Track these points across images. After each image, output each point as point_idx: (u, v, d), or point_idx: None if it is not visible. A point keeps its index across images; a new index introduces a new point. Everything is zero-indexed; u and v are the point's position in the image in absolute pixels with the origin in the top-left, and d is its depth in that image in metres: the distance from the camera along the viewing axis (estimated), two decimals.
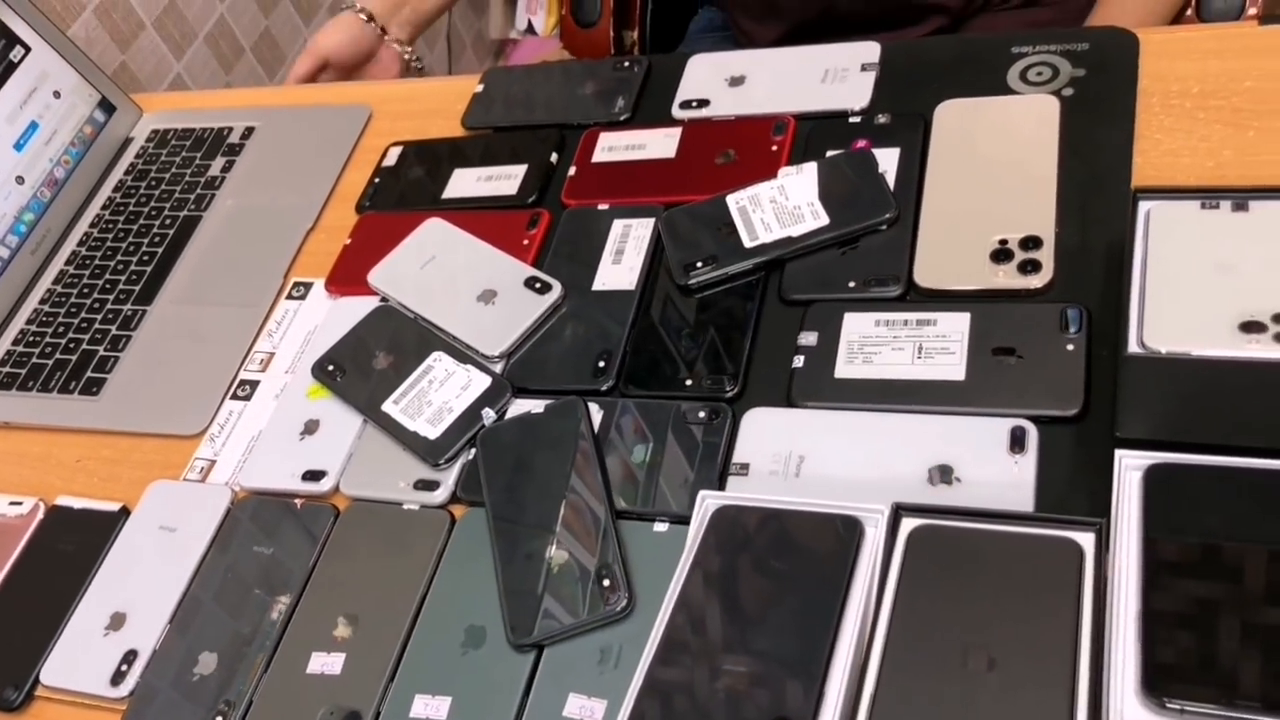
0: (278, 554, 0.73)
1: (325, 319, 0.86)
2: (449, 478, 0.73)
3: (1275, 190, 0.65)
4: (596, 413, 0.73)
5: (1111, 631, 0.51)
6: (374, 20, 1.15)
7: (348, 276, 0.88)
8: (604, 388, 0.74)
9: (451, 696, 0.64)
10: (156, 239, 0.98)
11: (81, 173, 1.04)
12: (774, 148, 0.83)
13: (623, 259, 0.81)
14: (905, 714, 0.50)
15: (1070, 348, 0.66)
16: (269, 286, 0.91)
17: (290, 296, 0.90)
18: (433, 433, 0.75)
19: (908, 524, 0.57)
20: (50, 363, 0.92)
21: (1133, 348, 0.62)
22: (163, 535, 0.77)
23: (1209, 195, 0.66)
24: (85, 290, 0.97)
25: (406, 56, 1.18)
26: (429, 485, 0.73)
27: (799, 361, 0.71)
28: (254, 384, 0.85)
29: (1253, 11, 1.01)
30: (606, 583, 0.64)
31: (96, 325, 0.93)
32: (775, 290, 0.76)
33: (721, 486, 0.67)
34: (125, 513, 0.80)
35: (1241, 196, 0.65)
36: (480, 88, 0.99)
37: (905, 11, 1.07)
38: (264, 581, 0.72)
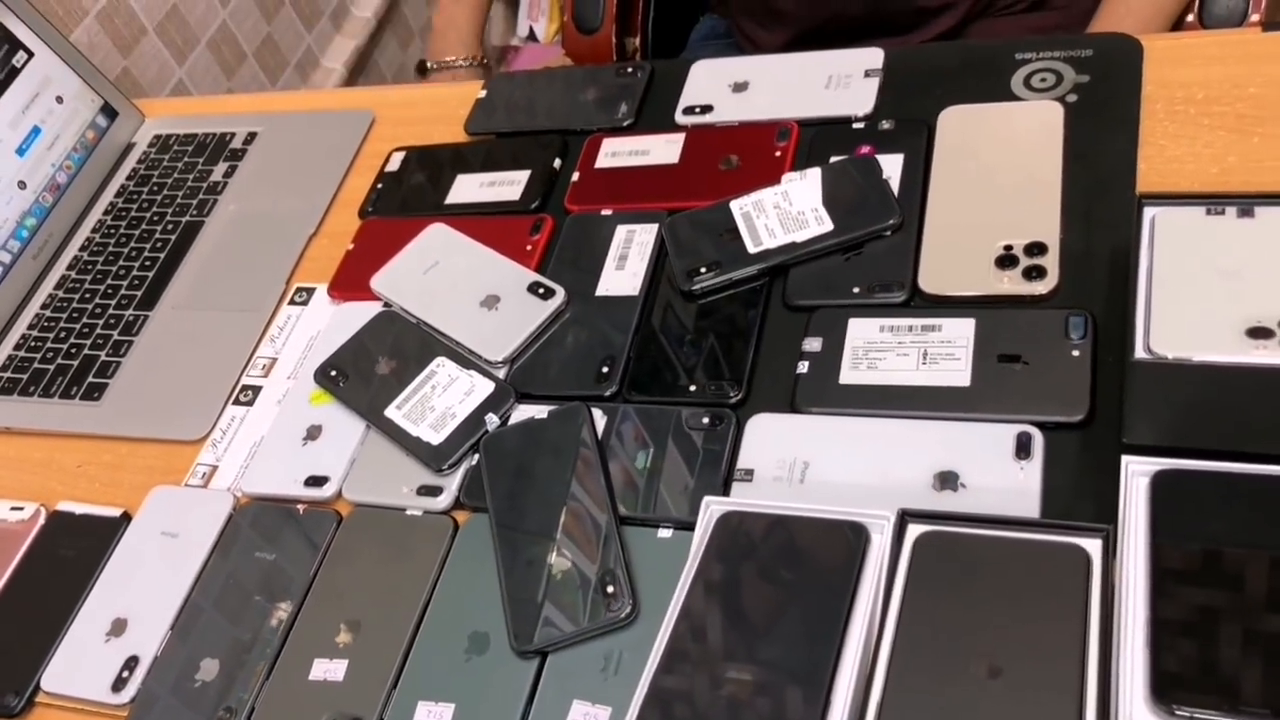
0: (280, 560, 0.73)
1: (328, 324, 0.86)
2: (452, 483, 0.73)
3: None
4: (600, 419, 0.73)
5: (1119, 639, 0.50)
6: (470, 59, 1.28)
7: (350, 282, 0.88)
8: (607, 394, 0.74)
9: (454, 703, 0.64)
10: (159, 244, 0.98)
11: (84, 178, 1.04)
12: (777, 153, 0.83)
13: (626, 265, 0.81)
14: None
15: (1075, 354, 0.66)
16: (271, 292, 0.91)
17: (293, 302, 0.90)
18: (436, 438, 0.74)
19: (914, 530, 0.57)
20: (52, 368, 0.92)
21: (1139, 354, 0.62)
22: (164, 541, 0.77)
23: (1214, 201, 0.66)
24: (87, 295, 0.96)
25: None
26: (432, 491, 0.73)
27: (803, 367, 0.71)
28: (256, 389, 0.85)
29: (1255, 17, 1.00)
30: (610, 589, 0.64)
31: (98, 330, 0.93)
32: (779, 296, 0.76)
33: (726, 492, 0.67)
34: (127, 518, 0.80)
35: (1247, 202, 0.65)
36: (483, 93, 0.99)
37: (910, 15, 1.07)
38: (266, 587, 0.72)
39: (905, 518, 0.57)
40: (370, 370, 0.80)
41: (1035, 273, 0.70)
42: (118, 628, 0.73)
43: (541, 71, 1.02)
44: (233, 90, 1.58)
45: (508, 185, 0.90)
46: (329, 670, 0.67)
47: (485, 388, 0.76)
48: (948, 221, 0.75)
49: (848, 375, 0.69)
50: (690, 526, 0.62)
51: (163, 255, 0.97)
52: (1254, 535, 0.51)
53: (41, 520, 0.81)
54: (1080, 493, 0.62)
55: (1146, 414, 0.59)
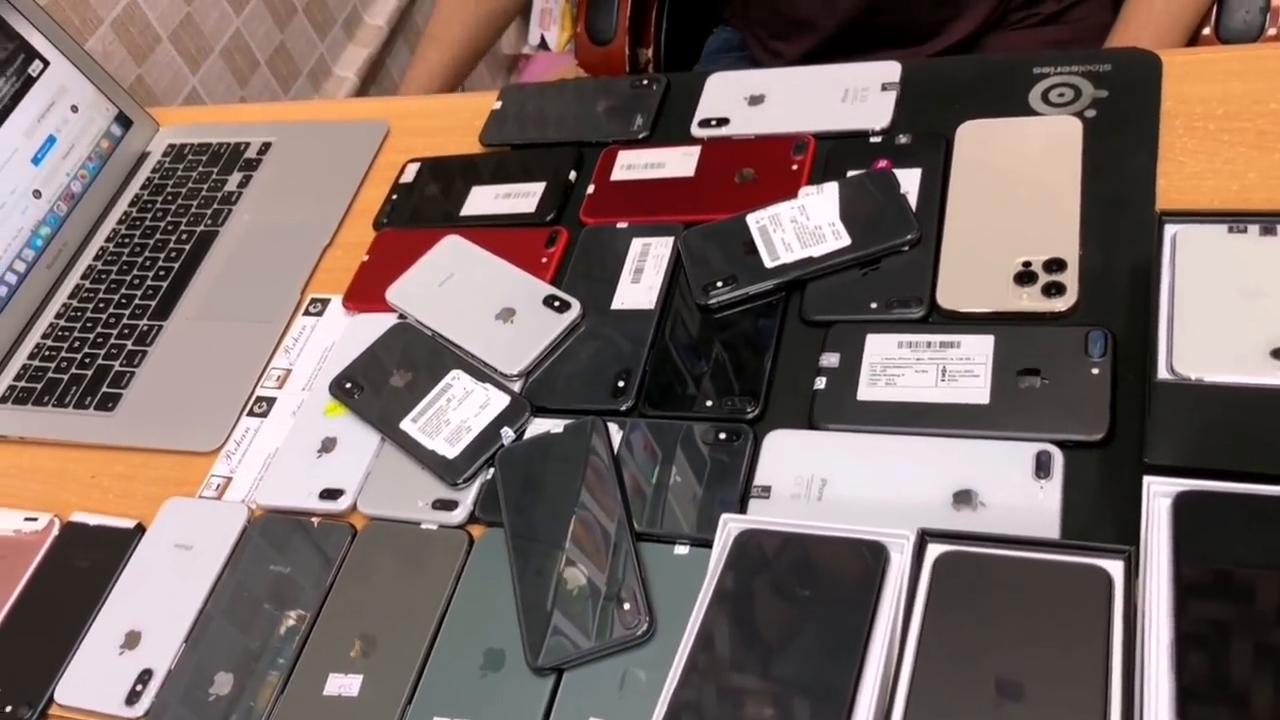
0: (294, 573, 0.73)
1: (342, 336, 0.86)
2: (467, 497, 0.73)
3: None
4: (615, 433, 0.72)
5: (1143, 661, 0.50)
6: None
7: (365, 293, 0.88)
8: (623, 408, 0.74)
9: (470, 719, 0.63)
10: (173, 254, 0.98)
11: (98, 187, 1.04)
12: (794, 167, 0.83)
13: (642, 278, 0.81)
14: None
15: (1095, 371, 0.65)
16: (286, 303, 0.91)
17: (307, 313, 0.90)
18: (451, 452, 0.74)
19: (933, 550, 0.56)
20: (65, 378, 0.92)
21: (1162, 374, 0.61)
22: (178, 553, 0.77)
23: (1236, 219, 0.66)
24: (101, 305, 0.96)
25: None
26: (447, 505, 0.73)
27: (820, 383, 0.70)
28: (271, 401, 0.84)
29: (1273, 31, 1.00)
30: (627, 606, 0.64)
31: (112, 340, 0.93)
32: (796, 311, 0.75)
33: (743, 509, 0.67)
34: (140, 530, 0.80)
35: (1270, 221, 0.65)
36: (498, 105, 0.99)
37: (927, 25, 1.06)
38: (280, 601, 0.72)
39: (925, 537, 0.57)
40: (385, 382, 0.80)
41: (1054, 289, 0.70)
42: (131, 640, 0.73)
43: (556, 83, 1.02)
44: (245, 98, 1.58)
45: (523, 197, 0.90)
46: (343, 685, 0.67)
47: (500, 401, 0.76)
48: (966, 237, 0.75)
49: (865, 392, 0.69)
50: (707, 543, 0.62)
51: (177, 265, 0.97)
52: (1278, 558, 0.51)
53: (55, 531, 0.81)
54: (1100, 512, 0.61)
55: (1169, 434, 0.59)
